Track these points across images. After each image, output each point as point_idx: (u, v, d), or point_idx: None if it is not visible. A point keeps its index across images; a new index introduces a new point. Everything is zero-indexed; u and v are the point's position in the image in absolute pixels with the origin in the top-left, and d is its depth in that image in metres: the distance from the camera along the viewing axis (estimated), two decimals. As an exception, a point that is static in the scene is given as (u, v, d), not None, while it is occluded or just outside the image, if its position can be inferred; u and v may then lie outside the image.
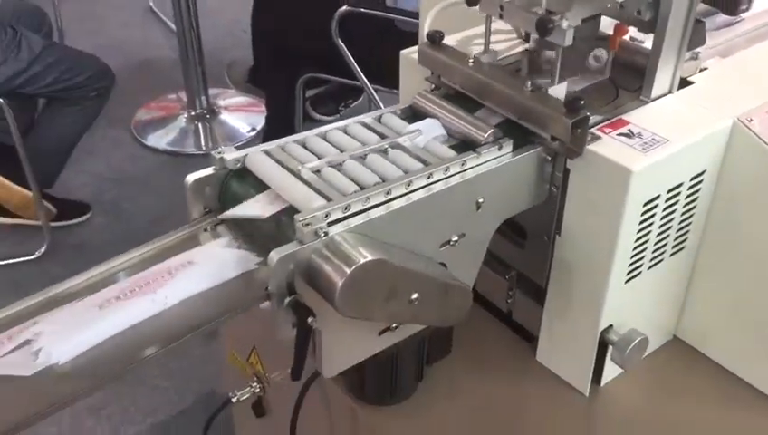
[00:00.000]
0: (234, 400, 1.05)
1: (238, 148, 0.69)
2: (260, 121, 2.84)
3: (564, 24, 0.70)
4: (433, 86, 0.84)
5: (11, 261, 2.12)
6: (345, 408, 0.86)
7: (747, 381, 0.85)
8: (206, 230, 0.69)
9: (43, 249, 2.14)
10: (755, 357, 0.84)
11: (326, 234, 0.60)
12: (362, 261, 0.59)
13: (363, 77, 1.92)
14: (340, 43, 1.88)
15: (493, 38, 0.82)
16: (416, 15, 1.86)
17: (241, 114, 2.92)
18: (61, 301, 0.62)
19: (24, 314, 0.61)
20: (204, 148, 2.79)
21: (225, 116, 2.89)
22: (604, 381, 0.85)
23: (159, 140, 2.77)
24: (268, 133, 2.48)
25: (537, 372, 0.87)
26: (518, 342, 0.91)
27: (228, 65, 2.89)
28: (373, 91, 1.97)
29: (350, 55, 1.89)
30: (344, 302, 0.59)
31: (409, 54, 0.88)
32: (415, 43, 0.89)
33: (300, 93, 2.19)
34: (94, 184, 2.54)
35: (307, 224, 0.60)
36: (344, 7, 1.83)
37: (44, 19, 2.28)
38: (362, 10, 1.84)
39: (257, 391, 1.05)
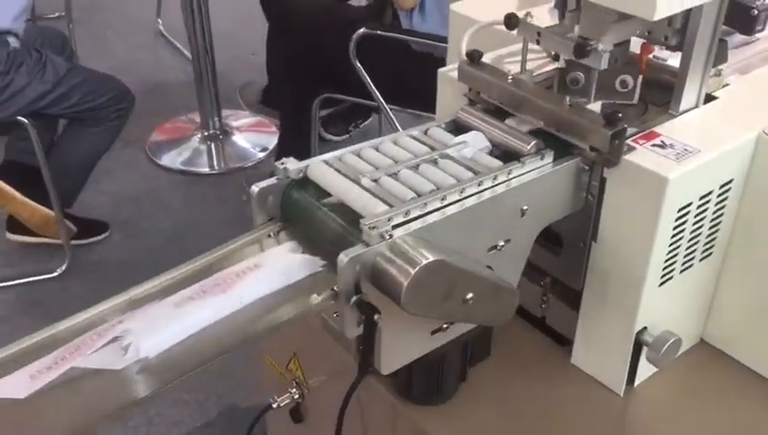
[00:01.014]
0: (274, 405, 1.09)
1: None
2: (271, 142, 2.89)
3: (600, 47, 0.76)
4: (469, 101, 0.89)
5: (33, 278, 2.16)
6: (388, 408, 0.90)
7: (773, 381, 0.89)
8: (269, 236, 0.74)
9: (64, 267, 2.18)
10: (780, 357, 0.88)
11: (390, 236, 0.65)
12: (425, 262, 0.63)
13: (380, 97, 1.97)
14: (358, 64, 1.94)
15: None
16: (431, 37, 1.93)
17: (252, 135, 2.98)
18: (139, 301, 0.66)
19: (108, 314, 0.65)
20: (216, 168, 2.84)
21: (237, 137, 2.94)
22: (637, 381, 0.89)
23: (173, 160, 2.82)
24: (281, 152, 2.53)
25: (572, 375, 0.91)
26: (552, 345, 0.95)
27: (241, 87, 2.95)
28: (389, 111, 2.02)
29: (367, 76, 1.95)
30: (409, 300, 0.63)
31: (448, 72, 0.93)
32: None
33: (316, 113, 2.24)
34: (111, 203, 2.58)
35: (373, 227, 0.64)
36: (362, 30, 1.89)
37: (66, 42, 2.34)
38: (380, 33, 1.90)
39: (296, 397, 1.09)
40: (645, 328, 0.84)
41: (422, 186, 0.71)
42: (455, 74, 0.90)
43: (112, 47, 3.62)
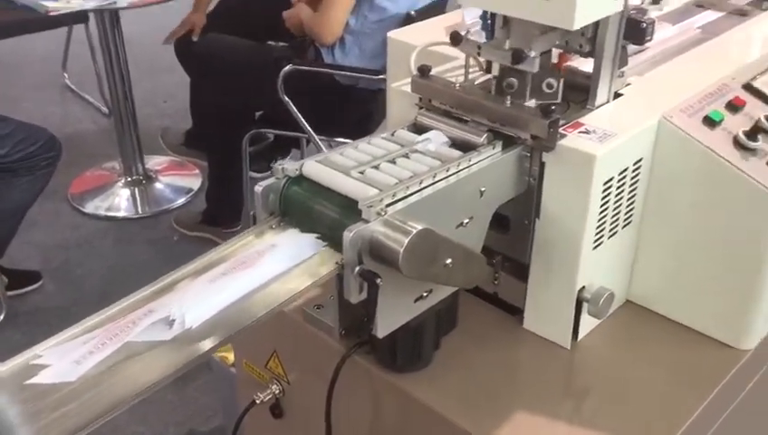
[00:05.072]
0: (258, 401, 1.18)
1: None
2: (195, 184, 2.98)
3: (532, 54, 0.93)
4: (422, 108, 1.04)
5: (-31, 331, 2.15)
6: (374, 381, 1.02)
7: (688, 326, 1.07)
8: (272, 228, 0.85)
9: (1, 317, 2.18)
10: (692, 307, 1.06)
11: (385, 212, 0.78)
12: (416, 230, 0.77)
13: (309, 129, 2.11)
14: (287, 99, 2.07)
15: (460, 71, 1.04)
16: (355, 70, 2.09)
17: (176, 178, 3.05)
18: (174, 282, 0.77)
19: (149, 297, 0.75)
20: (141, 211, 2.90)
21: (160, 180, 3.00)
22: (580, 336, 1.05)
23: (98, 207, 2.86)
24: (211, 191, 2.62)
25: (525, 338, 1.06)
26: (506, 316, 1.10)
27: (162, 131, 3.03)
28: (319, 141, 2.16)
29: (296, 110, 2.08)
30: (405, 264, 0.76)
31: (398, 87, 1.08)
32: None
33: (246, 149, 2.35)
34: (40, 254, 2.59)
35: (370, 206, 0.78)
36: (290, 66, 2.03)
37: (-11, 95, 2.36)
38: (307, 68, 2.04)
39: (277, 392, 1.19)
40: (584, 287, 1.00)
41: (402, 174, 0.85)
42: (405, 88, 1.05)
43: (21, 104, 3.61)
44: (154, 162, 3.08)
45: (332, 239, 0.80)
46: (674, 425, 0.92)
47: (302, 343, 1.12)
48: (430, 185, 0.84)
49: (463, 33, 1.00)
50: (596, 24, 0.97)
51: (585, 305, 1.01)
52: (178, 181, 3.01)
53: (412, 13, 2.05)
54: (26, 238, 2.60)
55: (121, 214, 2.83)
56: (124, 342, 0.70)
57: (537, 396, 0.97)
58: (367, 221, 0.78)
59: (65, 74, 3.85)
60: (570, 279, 0.99)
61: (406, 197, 0.82)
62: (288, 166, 0.86)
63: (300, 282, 0.78)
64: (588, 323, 1.05)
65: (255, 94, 2.27)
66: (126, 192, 2.94)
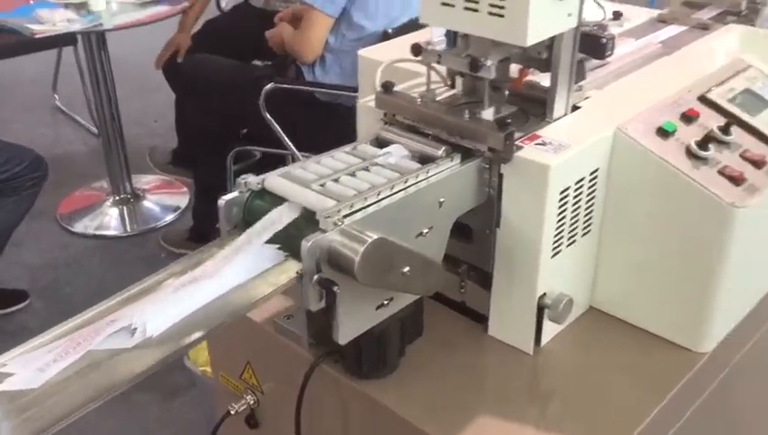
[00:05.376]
0: (232, 412, 1.21)
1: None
2: (182, 201, 3.01)
3: (488, 62, 0.96)
4: (385, 124, 1.08)
5: (-43, 350, 2.16)
6: (341, 388, 1.04)
7: (649, 331, 1.10)
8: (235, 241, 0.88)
9: (-13, 337, 2.21)
10: (652, 313, 1.09)
11: (342, 223, 0.81)
12: (371, 240, 0.80)
13: (292, 146, 2.15)
14: (269, 116, 2.11)
15: (425, 87, 1.07)
16: (335, 88, 2.13)
17: (163, 196, 3.08)
18: (137, 295, 0.80)
19: (113, 307, 0.78)
20: (130, 230, 2.92)
21: (148, 199, 3.03)
22: (543, 341, 1.08)
23: (87, 226, 2.88)
24: (198, 208, 2.65)
25: (490, 344, 1.09)
26: (473, 324, 1.12)
27: (150, 150, 3.06)
28: (301, 157, 2.20)
29: (278, 127, 2.12)
30: (361, 272, 0.79)
31: (365, 103, 1.11)
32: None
33: (230, 166, 2.38)
34: (28, 273, 2.62)
35: (327, 217, 0.81)
36: (271, 84, 2.06)
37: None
38: (287, 86, 2.08)
39: (252, 402, 1.21)
40: (544, 294, 1.03)
41: (361, 186, 0.88)
42: (371, 103, 1.08)
43: (11, 126, 3.65)
44: (143, 181, 3.11)
45: (292, 250, 0.83)
46: (630, 426, 0.95)
47: (273, 353, 1.15)
48: (388, 196, 0.88)
49: (425, 44, 1.03)
50: (551, 40, 1.01)
51: (546, 312, 1.04)
52: (166, 199, 3.04)
53: (389, 31, 2.09)
54: (14, 259, 2.62)
55: (110, 233, 2.86)
56: (87, 350, 0.72)
57: (500, 401, 1.00)
58: (324, 231, 0.81)
59: (56, 96, 3.89)
60: (530, 286, 1.02)
61: (364, 208, 0.85)
62: (251, 180, 0.89)
63: (260, 291, 0.80)
64: (550, 329, 1.08)
65: (239, 112, 2.31)
66: (114, 211, 2.97)
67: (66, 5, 2.57)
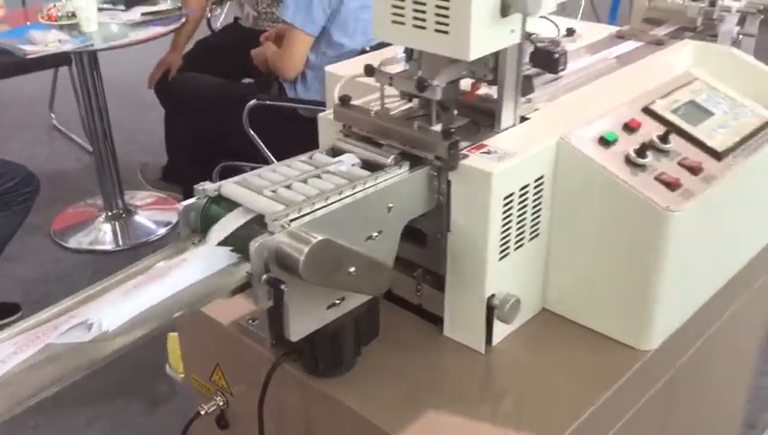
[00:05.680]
0: (202, 413, 1.26)
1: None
2: (173, 217, 3.07)
3: (435, 83, 1.02)
4: (344, 135, 1.13)
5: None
6: (301, 387, 1.09)
7: (597, 330, 1.15)
8: (193, 244, 0.94)
9: (-21, 347, 2.25)
10: (599, 313, 1.14)
11: (289, 225, 0.87)
12: (315, 240, 0.85)
13: (275, 160, 2.21)
14: (252, 132, 2.17)
15: (385, 100, 1.13)
16: (315, 103, 2.20)
17: (155, 212, 3.14)
18: (95, 295, 0.85)
19: (71, 307, 0.83)
20: (122, 244, 2.98)
21: (140, 214, 3.10)
22: (495, 341, 1.13)
23: (80, 241, 2.94)
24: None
25: (445, 344, 1.14)
26: (430, 326, 1.18)
27: (142, 166, 3.13)
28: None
29: (260, 142, 2.19)
30: (306, 271, 0.85)
31: (326, 116, 1.17)
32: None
33: (216, 180, 2.44)
34: (20, 287, 2.67)
35: (275, 220, 0.86)
36: (253, 101, 2.13)
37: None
38: (268, 102, 2.15)
39: (221, 404, 1.26)
40: (493, 295, 1.08)
41: (310, 191, 0.94)
42: (330, 116, 1.15)
43: (8, 144, 3.72)
44: (138, 197, 3.18)
45: (243, 251, 0.88)
46: (569, 420, 0.99)
47: (240, 355, 1.20)
48: (336, 201, 0.93)
49: (377, 64, 1.10)
50: (497, 55, 1.07)
51: (495, 312, 1.09)
52: (158, 215, 3.10)
53: (367, 48, 2.16)
54: (7, 272, 2.68)
55: (102, 247, 2.92)
56: (45, 343, 0.78)
57: (452, 397, 1.05)
58: (272, 233, 0.86)
59: (52, 115, 3.97)
60: (479, 288, 1.07)
61: (312, 211, 0.91)
62: (208, 187, 0.95)
63: (211, 289, 0.86)
64: (502, 330, 1.13)
65: (226, 129, 2.37)
66: (107, 227, 3.03)
67: (61, 27, 2.65)
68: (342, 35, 2.19)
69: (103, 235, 3.00)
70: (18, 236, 2.68)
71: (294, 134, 2.29)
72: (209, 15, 3.32)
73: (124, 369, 2.30)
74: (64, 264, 2.83)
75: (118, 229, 3.02)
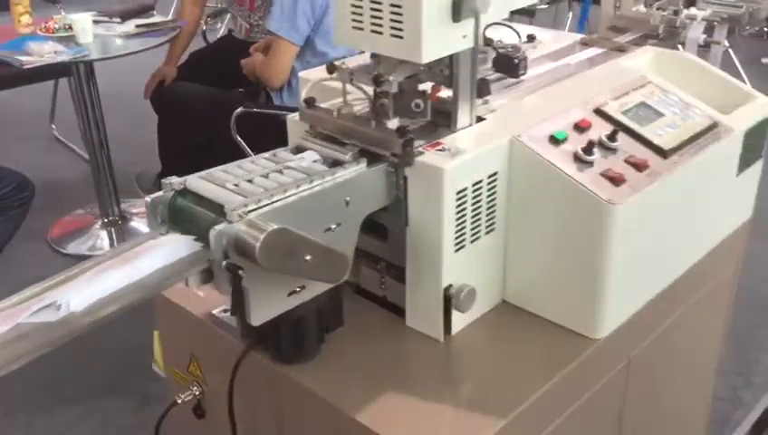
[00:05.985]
0: (179, 402, 1.31)
1: None
2: (168, 224, 3.13)
3: (391, 78, 1.09)
4: (311, 135, 1.20)
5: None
6: (268, 373, 1.15)
7: (552, 320, 1.20)
8: (161, 234, 1.00)
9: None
10: (553, 304, 1.19)
11: (247, 214, 0.93)
12: (270, 229, 0.91)
13: (261, 165, 2.27)
14: (239, 138, 2.24)
15: (352, 102, 1.20)
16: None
17: (151, 219, 3.20)
18: (65, 279, 0.91)
19: (40, 291, 0.90)
20: (117, 251, 3.03)
21: (135, 221, 3.16)
22: (454, 331, 1.18)
23: (77, 247, 3.01)
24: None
25: (407, 334, 1.20)
26: (394, 317, 1.23)
27: (137, 175, 3.20)
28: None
29: (248, 148, 2.25)
30: (262, 257, 0.91)
31: (293, 117, 1.24)
32: None
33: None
34: (16, 291, 2.73)
35: (233, 210, 0.92)
36: (240, 109, 2.20)
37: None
38: (254, 110, 2.22)
39: (197, 393, 1.32)
40: (450, 285, 1.14)
41: (270, 185, 1.00)
42: (297, 117, 1.21)
43: (9, 155, 3.79)
44: (136, 205, 3.25)
45: (206, 240, 0.94)
46: (518, 401, 1.05)
47: (213, 345, 1.26)
48: (294, 194, 0.99)
49: (340, 63, 1.16)
50: (450, 58, 1.13)
51: (452, 302, 1.14)
52: (153, 222, 3.16)
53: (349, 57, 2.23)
54: (3, 276, 2.75)
55: (98, 253, 2.98)
56: (16, 323, 0.84)
57: (412, 383, 1.11)
58: (231, 222, 0.92)
59: (53, 126, 4.05)
60: (436, 279, 1.13)
61: (271, 203, 0.97)
62: (174, 180, 1.01)
63: (172, 274, 0.92)
64: (461, 320, 1.18)
65: (216, 136, 2.44)
66: (104, 233, 3.10)
67: (59, 39, 2.74)
68: (326, 45, 2.26)
69: (100, 241, 3.07)
70: (17, 243, 2.75)
71: (281, 141, 2.36)
72: (204, 28, 3.40)
73: (115, 369, 2.37)
74: (61, 269, 2.89)
75: (114, 236, 3.09)
